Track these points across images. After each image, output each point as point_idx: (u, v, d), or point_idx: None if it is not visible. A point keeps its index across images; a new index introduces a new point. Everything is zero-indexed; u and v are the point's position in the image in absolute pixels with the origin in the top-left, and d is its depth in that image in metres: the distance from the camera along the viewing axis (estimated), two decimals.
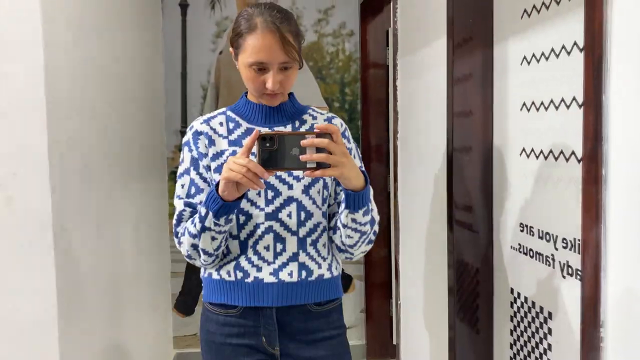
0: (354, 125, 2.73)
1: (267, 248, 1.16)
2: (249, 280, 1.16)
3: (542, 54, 1.12)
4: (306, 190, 1.17)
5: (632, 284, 0.75)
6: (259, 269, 1.16)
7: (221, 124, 1.20)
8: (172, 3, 2.66)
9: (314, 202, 1.19)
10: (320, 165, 0.99)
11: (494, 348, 1.40)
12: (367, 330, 2.78)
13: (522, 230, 1.24)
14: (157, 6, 2.58)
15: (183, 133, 2.62)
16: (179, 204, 1.17)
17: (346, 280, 2.84)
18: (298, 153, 0.99)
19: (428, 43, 1.62)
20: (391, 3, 1.98)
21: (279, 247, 1.16)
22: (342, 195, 1.10)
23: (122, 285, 1.92)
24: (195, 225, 1.10)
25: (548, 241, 1.13)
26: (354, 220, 1.11)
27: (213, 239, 1.10)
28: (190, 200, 1.16)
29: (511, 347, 1.30)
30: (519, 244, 1.25)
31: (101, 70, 1.72)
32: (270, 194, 1.16)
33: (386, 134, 2.67)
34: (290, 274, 1.17)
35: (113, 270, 1.81)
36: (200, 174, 1.17)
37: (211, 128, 1.19)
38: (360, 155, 1.29)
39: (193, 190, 1.16)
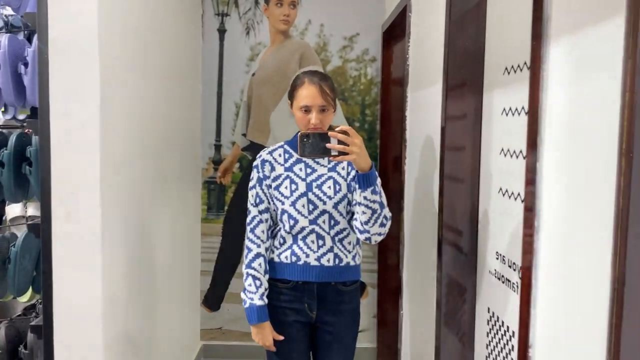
0: (373, 144, 2.88)
1: (312, 242, 1.62)
2: (300, 263, 1.63)
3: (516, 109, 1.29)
4: (335, 206, 1.63)
5: (555, 307, 0.93)
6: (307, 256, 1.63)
7: (280, 155, 1.66)
8: (212, 29, 2.89)
9: (341, 214, 1.63)
10: (340, 154, 1.40)
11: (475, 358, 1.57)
12: (378, 335, 2.92)
13: (497, 258, 1.41)
14: (197, 31, 2.82)
15: (217, 146, 2.88)
16: (253, 210, 1.64)
17: (360, 286, 3.02)
18: (325, 145, 1.41)
19: (429, 84, 1.80)
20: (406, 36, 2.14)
21: (320, 242, 1.62)
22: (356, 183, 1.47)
23: (158, 281, 2.17)
24: (246, 283, 1.62)
25: (514, 270, 1.30)
26: (365, 197, 1.46)
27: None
28: (257, 207, 1.64)
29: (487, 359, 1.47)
30: (495, 269, 1.42)
31: (148, 95, 1.98)
32: (310, 207, 1.61)
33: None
34: (329, 261, 1.63)
35: (151, 267, 2.07)
36: (262, 189, 1.64)
37: (273, 158, 1.66)
38: None
39: (257, 200, 1.64)
